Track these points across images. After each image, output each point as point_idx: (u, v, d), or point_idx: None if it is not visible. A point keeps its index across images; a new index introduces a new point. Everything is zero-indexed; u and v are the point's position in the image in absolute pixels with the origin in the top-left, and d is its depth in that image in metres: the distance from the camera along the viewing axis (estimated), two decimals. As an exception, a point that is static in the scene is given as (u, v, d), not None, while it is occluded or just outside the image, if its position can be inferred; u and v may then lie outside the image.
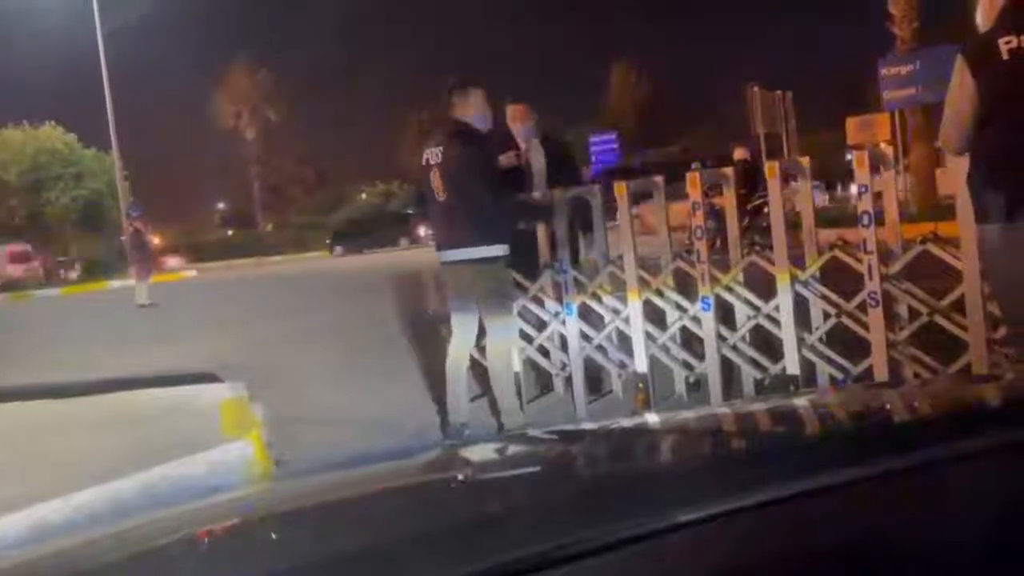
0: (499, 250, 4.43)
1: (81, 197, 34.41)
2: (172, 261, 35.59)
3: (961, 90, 3.13)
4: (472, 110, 4.49)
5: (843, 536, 0.75)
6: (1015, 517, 0.78)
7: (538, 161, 5.45)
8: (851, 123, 17.87)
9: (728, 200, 4.85)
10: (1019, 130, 3.05)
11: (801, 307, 4.51)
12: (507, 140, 5.44)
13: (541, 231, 5.29)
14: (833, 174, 30.26)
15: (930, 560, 0.72)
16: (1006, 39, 3.02)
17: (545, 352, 5.33)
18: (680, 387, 4.99)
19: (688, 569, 0.71)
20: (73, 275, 31.84)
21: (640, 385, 4.79)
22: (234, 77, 52.96)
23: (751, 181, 11.09)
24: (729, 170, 4.88)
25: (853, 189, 4.40)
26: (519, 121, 5.49)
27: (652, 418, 1.97)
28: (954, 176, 3.82)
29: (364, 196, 46.78)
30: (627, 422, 1.56)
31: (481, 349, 4.82)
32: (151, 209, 36.52)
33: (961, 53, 3.16)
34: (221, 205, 61.30)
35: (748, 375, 4.61)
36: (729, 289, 4.64)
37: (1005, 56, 3.02)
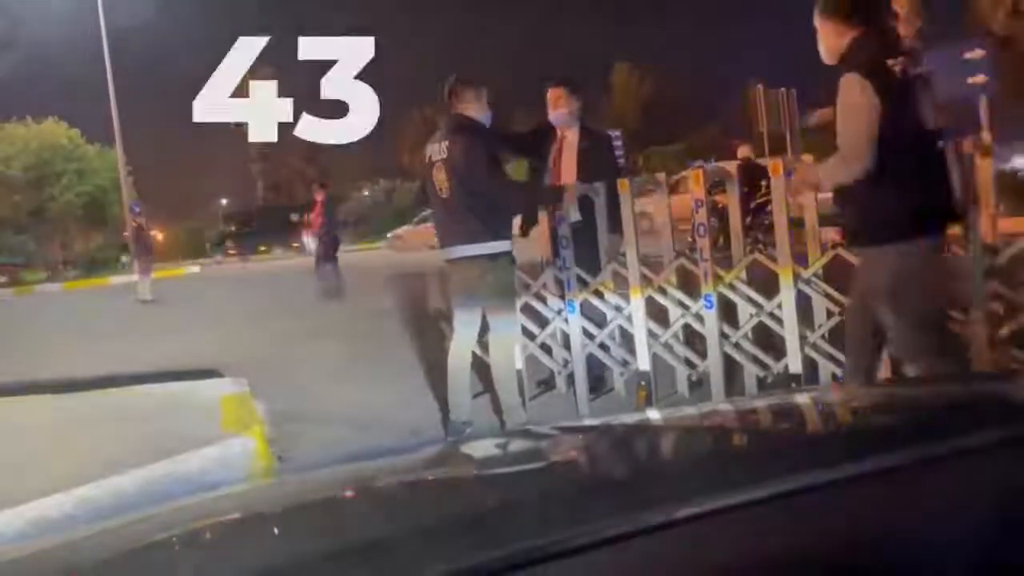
0: (503, 246, 4.42)
1: (85, 193, 34.42)
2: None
3: (869, 108, 3.10)
4: (474, 106, 4.48)
5: (845, 531, 0.75)
6: (1014, 512, 0.78)
7: (568, 155, 5.23)
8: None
9: (731, 198, 4.85)
10: (913, 149, 3.13)
11: (804, 305, 4.51)
12: (551, 129, 5.35)
13: (543, 225, 5.28)
14: None
15: (930, 553, 0.72)
16: (892, 61, 3.12)
17: (547, 349, 5.33)
18: (682, 385, 4.99)
19: (690, 563, 0.71)
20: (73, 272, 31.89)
21: (642, 383, 4.79)
22: (237, 73, 52.88)
23: (754, 179, 11.09)
24: (733, 168, 4.87)
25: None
26: (562, 106, 5.23)
27: (653, 415, 1.96)
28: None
29: (367, 194, 46.76)
30: (628, 419, 1.56)
31: (483, 345, 4.81)
32: (154, 206, 36.57)
33: (858, 73, 3.14)
34: (224, 202, 61.32)
35: (750, 373, 4.60)
36: (732, 287, 4.64)
37: (898, 78, 3.11)
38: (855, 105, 3.13)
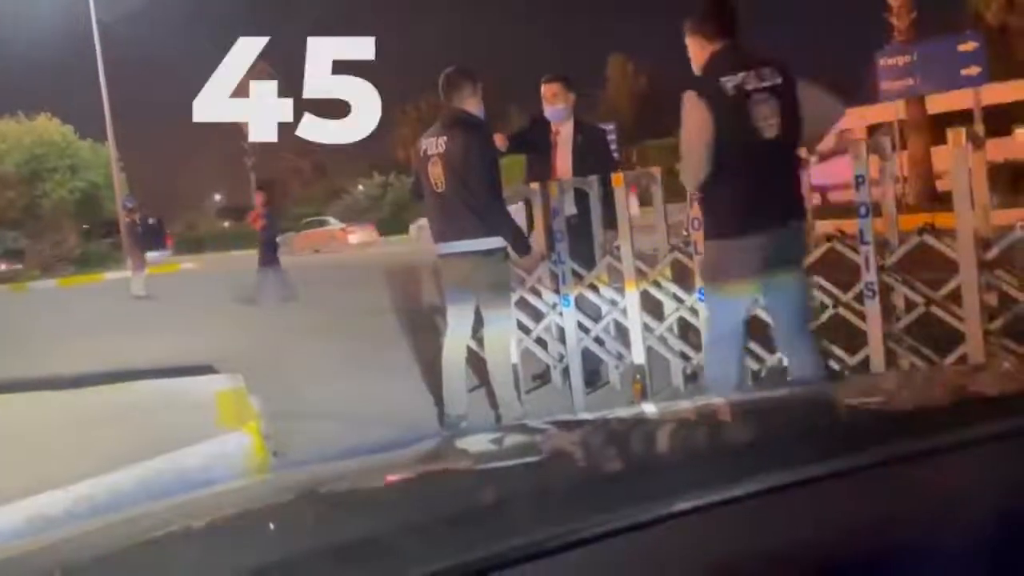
0: (498, 241, 4.41)
1: (78, 189, 34.31)
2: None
3: (701, 123, 3.47)
4: (472, 100, 4.47)
5: (840, 524, 0.75)
6: (1012, 504, 0.78)
7: (563, 150, 5.28)
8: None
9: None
10: (743, 157, 3.46)
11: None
12: (547, 124, 5.35)
13: (537, 220, 5.28)
14: None
15: (925, 547, 0.72)
16: (727, 78, 3.44)
17: (543, 343, 5.34)
18: (677, 378, 5.00)
19: (684, 557, 0.71)
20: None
21: (637, 376, 4.80)
22: (230, 68, 52.68)
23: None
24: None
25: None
26: (559, 102, 5.23)
27: (649, 409, 1.97)
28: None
29: (361, 188, 46.69)
30: (624, 413, 1.57)
31: (479, 340, 4.82)
32: (147, 201, 36.46)
33: (694, 91, 3.52)
34: (218, 197, 61.20)
35: (745, 366, 4.60)
36: (726, 280, 4.63)
37: (731, 92, 3.43)
38: (689, 120, 3.51)
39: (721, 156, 3.49)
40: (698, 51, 3.65)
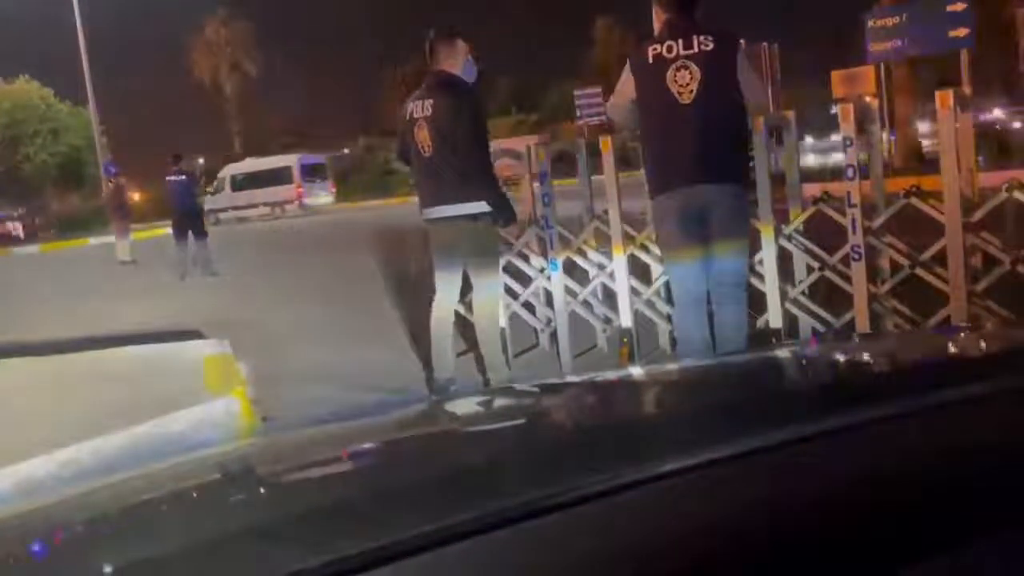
0: (487, 205, 4.38)
1: (59, 153, 33.85)
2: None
3: (625, 83, 3.94)
4: (459, 61, 4.41)
5: (824, 483, 0.76)
6: (997, 464, 0.79)
7: None
8: (837, 76, 17.76)
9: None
10: (659, 119, 3.82)
11: (785, 261, 4.53)
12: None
13: (526, 187, 5.27)
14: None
15: (913, 507, 0.73)
16: (653, 47, 3.78)
17: (530, 308, 5.34)
18: (664, 341, 5.03)
19: (671, 518, 0.71)
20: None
21: (624, 340, 4.82)
22: (212, 29, 51.99)
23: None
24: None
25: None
26: None
27: (635, 371, 1.98)
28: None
29: (347, 151, 46.32)
30: (611, 375, 1.57)
31: (467, 305, 4.81)
32: (130, 165, 36.06)
33: (628, 56, 4.02)
34: (201, 160, 60.55)
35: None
36: (713, 243, 4.64)
37: (651, 60, 3.78)
38: (621, 80, 3.99)
39: (642, 118, 3.92)
40: (656, 19, 3.97)
